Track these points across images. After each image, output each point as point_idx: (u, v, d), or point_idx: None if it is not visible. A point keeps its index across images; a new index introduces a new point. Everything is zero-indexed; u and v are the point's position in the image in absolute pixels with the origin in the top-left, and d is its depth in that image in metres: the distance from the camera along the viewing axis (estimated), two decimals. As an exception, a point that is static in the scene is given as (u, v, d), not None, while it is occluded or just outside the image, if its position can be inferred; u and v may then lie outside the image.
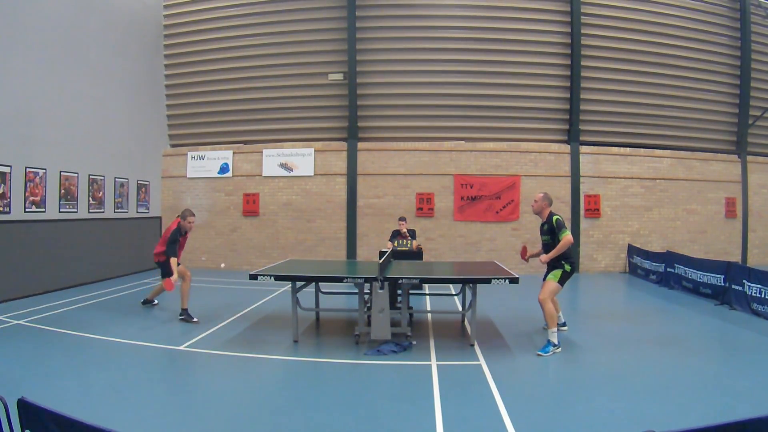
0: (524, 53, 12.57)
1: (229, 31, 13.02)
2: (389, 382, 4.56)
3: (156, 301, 8.07)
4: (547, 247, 5.69)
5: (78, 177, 9.97)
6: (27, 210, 8.64)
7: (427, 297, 8.63)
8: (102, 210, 10.77)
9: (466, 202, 12.57)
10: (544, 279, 5.74)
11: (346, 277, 5.88)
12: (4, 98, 8.18)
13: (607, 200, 12.73)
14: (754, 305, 7.38)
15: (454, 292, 8.18)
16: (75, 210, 9.89)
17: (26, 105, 8.62)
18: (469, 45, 12.56)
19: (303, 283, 6.30)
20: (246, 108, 13.20)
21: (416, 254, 8.76)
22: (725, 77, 13.38)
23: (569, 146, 12.64)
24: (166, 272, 6.86)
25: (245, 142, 13.29)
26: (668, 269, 10.21)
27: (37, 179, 8.85)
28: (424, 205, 12.60)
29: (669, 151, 13.08)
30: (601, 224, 12.72)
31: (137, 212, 12.06)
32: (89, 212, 10.34)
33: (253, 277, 5.78)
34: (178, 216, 7.15)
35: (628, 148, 12.92)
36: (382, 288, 5.38)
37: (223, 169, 13.17)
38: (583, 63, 12.47)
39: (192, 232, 7.69)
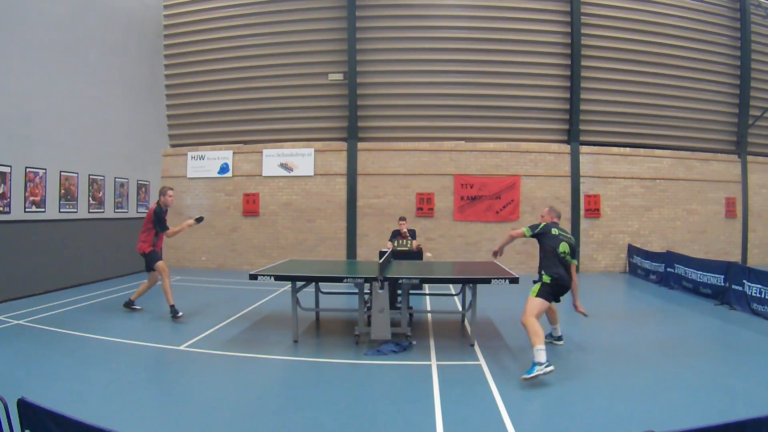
0: (524, 53, 12.57)
1: (229, 31, 13.02)
2: (389, 382, 4.56)
3: (139, 306, 7.54)
4: (564, 263, 5.10)
5: (78, 177, 9.97)
6: (27, 210, 8.64)
7: (427, 297, 8.63)
8: (102, 210, 10.77)
9: (466, 202, 12.57)
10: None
11: (346, 277, 5.88)
12: (4, 98, 8.18)
13: (607, 200, 12.73)
14: (754, 305, 7.38)
15: (454, 292, 8.18)
16: (75, 210, 9.89)
17: (26, 105, 8.62)
18: (469, 45, 12.56)
19: (303, 283, 6.30)
20: (246, 108, 13.20)
21: (416, 254, 8.76)
22: (725, 77, 13.38)
23: (569, 146, 12.64)
24: (151, 261, 7.12)
25: (245, 142, 13.29)
26: (668, 269, 10.21)
27: (37, 179, 8.86)
28: (424, 205, 12.60)
29: (669, 151, 13.08)
30: (601, 224, 12.72)
31: (137, 212, 12.06)
32: (89, 212, 10.34)
33: (253, 277, 5.78)
34: (156, 202, 7.24)
35: (628, 148, 12.92)
36: (382, 288, 5.38)
37: (223, 169, 13.17)
38: (583, 63, 12.47)
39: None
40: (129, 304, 7.52)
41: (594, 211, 12.64)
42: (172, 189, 7.46)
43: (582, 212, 12.60)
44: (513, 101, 12.67)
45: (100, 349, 5.52)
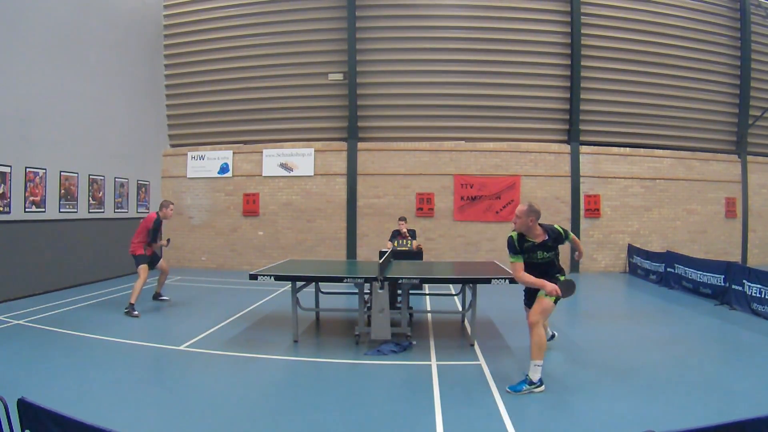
0: (524, 53, 12.57)
1: (229, 31, 13.02)
2: (389, 382, 4.56)
3: (167, 297, 8.31)
4: (548, 266, 4.62)
5: (78, 177, 9.97)
6: (27, 210, 8.64)
7: (427, 297, 8.63)
8: (102, 210, 10.77)
9: (466, 202, 12.57)
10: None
11: (346, 277, 5.88)
12: (4, 98, 8.18)
13: (607, 200, 12.73)
14: (754, 305, 7.37)
15: (454, 292, 8.18)
16: (75, 210, 9.89)
17: (26, 105, 8.62)
18: (469, 45, 12.56)
19: (303, 283, 6.30)
20: (246, 108, 13.20)
21: (416, 254, 8.76)
22: (725, 77, 13.38)
23: (569, 146, 12.64)
24: (138, 263, 7.71)
25: (245, 142, 13.29)
26: (668, 269, 10.21)
27: (37, 179, 8.86)
28: (424, 205, 12.60)
29: (669, 151, 13.09)
30: (601, 224, 12.72)
31: (137, 212, 12.06)
32: (89, 212, 10.34)
33: (253, 277, 5.78)
34: (156, 212, 7.82)
35: (628, 148, 12.92)
36: (382, 288, 5.38)
37: (223, 169, 13.17)
38: (583, 63, 12.47)
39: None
40: (157, 296, 8.22)
41: (594, 211, 12.65)
42: (173, 204, 8.03)
43: (582, 212, 12.60)
44: (513, 101, 12.67)
45: (100, 349, 5.52)
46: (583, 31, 12.44)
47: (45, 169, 9.04)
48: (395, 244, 8.95)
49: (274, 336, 6.10)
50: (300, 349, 5.60)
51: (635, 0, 12.74)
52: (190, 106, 13.48)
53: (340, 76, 12.62)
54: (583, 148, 12.71)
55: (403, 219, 9.37)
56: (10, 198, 8.24)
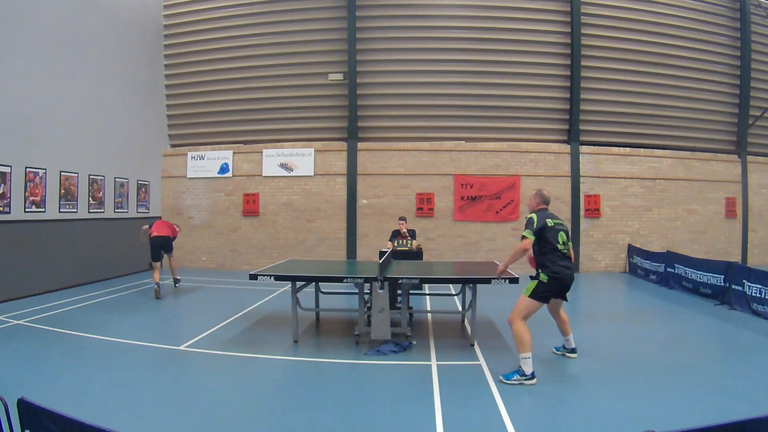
0: (524, 53, 12.58)
1: (229, 31, 13.02)
2: (389, 382, 4.56)
3: (180, 277, 9.92)
4: (535, 256, 4.79)
5: (78, 177, 9.97)
6: (27, 210, 8.64)
7: (427, 297, 8.63)
8: (102, 210, 10.77)
9: (466, 202, 12.57)
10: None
11: (346, 277, 5.88)
12: (4, 98, 8.18)
13: (607, 200, 12.74)
14: (754, 305, 7.37)
15: (454, 292, 8.18)
16: (75, 210, 9.89)
17: (26, 105, 8.62)
18: (469, 45, 12.56)
19: (303, 283, 6.29)
20: (246, 108, 13.20)
21: (416, 254, 8.75)
22: (725, 77, 13.38)
23: (569, 146, 12.64)
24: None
25: (245, 142, 13.29)
26: (668, 269, 10.21)
27: (37, 179, 8.85)
28: (424, 205, 12.60)
29: (669, 151, 13.09)
30: (601, 224, 12.72)
31: (137, 212, 12.06)
32: (89, 212, 10.34)
33: (253, 277, 5.77)
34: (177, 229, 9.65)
35: (628, 148, 12.92)
36: (382, 288, 5.38)
37: (223, 169, 13.17)
38: (583, 63, 12.47)
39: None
40: (176, 282, 9.72)
41: (594, 211, 12.65)
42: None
43: (582, 212, 12.61)
44: (513, 101, 12.67)
45: (100, 349, 5.52)
46: (583, 31, 12.44)
47: (45, 169, 9.04)
48: (395, 244, 8.94)
49: (274, 336, 6.10)
50: (300, 349, 5.60)
51: (635, 0, 12.74)
52: (190, 106, 13.48)
53: (340, 76, 12.62)
54: (583, 148, 12.71)
55: (403, 219, 9.36)
56: (10, 198, 8.24)
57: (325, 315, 7.25)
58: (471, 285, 5.89)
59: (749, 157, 13.58)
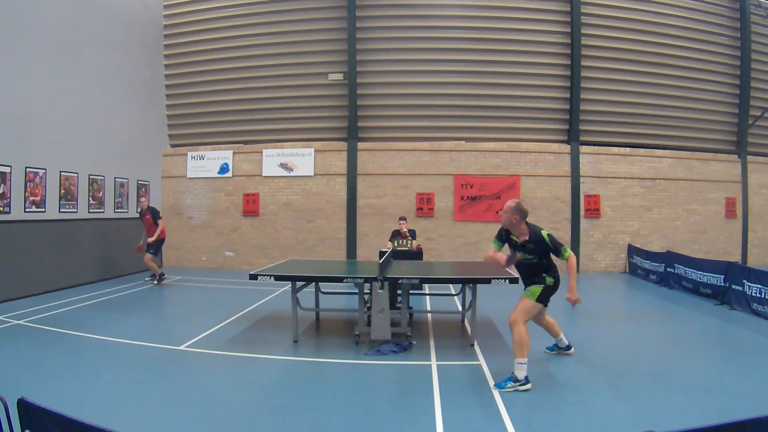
0: (524, 53, 12.57)
1: (229, 31, 13.01)
2: (389, 382, 4.56)
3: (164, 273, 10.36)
4: (532, 268, 4.66)
5: (78, 177, 9.97)
6: (27, 210, 8.64)
7: (427, 297, 8.63)
8: (102, 210, 10.77)
9: (466, 202, 12.57)
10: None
11: (346, 277, 5.88)
12: (4, 98, 8.17)
13: (607, 200, 12.73)
14: (754, 305, 7.37)
15: (454, 292, 8.18)
16: (75, 210, 9.89)
17: (26, 105, 8.62)
18: (469, 45, 12.56)
19: (303, 283, 6.30)
20: (246, 108, 13.20)
21: (416, 254, 8.76)
22: (725, 77, 13.38)
23: (569, 146, 12.64)
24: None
25: (245, 142, 13.29)
26: (668, 269, 10.21)
27: (37, 179, 8.85)
28: (424, 205, 12.60)
29: (669, 151, 13.08)
30: (601, 224, 12.72)
31: (137, 212, 12.04)
32: (89, 212, 10.35)
33: (253, 277, 5.77)
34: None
35: (628, 148, 12.92)
36: (382, 288, 5.38)
37: (223, 169, 13.17)
38: (583, 63, 12.47)
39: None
40: (160, 279, 10.17)
41: (594, 211, 12.64)
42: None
43: (582, 212, 12.60)
44: (513, 101, 12.66)
45: (100, 349, 5.52)
46: (583, 31, 12.44)
47: (45, 169, 9.03)
48: (395, 244, 8.95)
49: (274, 336, 6.10)
50: (300, 349, 5.60)
51: (635, 0, 12.74)
52: (190, 106, 13.48)
53: (340, 76, 12.62)
54: (583, 148, 12.71)
55: (403, 219, 9.36)
56: (10, 198, 8.24)
57: (325, 315, 7.25)
58: (471, 285, 5.89)
59: (749, 157, 13.57)
